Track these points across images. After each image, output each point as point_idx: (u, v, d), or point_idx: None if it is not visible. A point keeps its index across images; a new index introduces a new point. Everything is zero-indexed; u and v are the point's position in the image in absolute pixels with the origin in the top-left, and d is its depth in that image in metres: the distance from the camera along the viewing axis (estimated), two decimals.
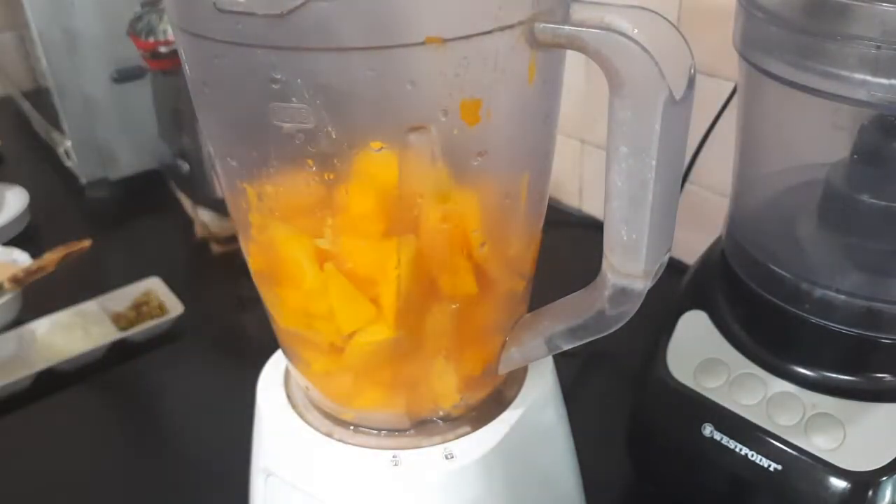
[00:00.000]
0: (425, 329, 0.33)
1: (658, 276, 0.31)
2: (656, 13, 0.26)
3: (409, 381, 0.36)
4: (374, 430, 0.37)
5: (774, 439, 0.41)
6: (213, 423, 0.58)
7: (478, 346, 0.36)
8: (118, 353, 0.65)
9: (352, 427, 0.37)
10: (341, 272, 0.31)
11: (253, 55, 0.26)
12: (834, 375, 0.42)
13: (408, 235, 0.30)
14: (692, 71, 0.27)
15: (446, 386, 0.36)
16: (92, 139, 0.90)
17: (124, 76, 0.87)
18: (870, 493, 0.38)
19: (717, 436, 0.43)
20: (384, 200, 0.29)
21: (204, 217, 0.82)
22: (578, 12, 0.27)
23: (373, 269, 0.31)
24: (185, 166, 0.84)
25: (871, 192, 0.41)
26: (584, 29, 0.26)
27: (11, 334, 0.65)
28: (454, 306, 0.33)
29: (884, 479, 0.38)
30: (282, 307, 0.35)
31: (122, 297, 0.70)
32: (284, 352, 0.39)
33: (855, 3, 0.35)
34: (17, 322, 0.66)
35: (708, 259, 0.50)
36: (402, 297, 0.31)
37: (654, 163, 0.27)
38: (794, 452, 0.40)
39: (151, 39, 0.78)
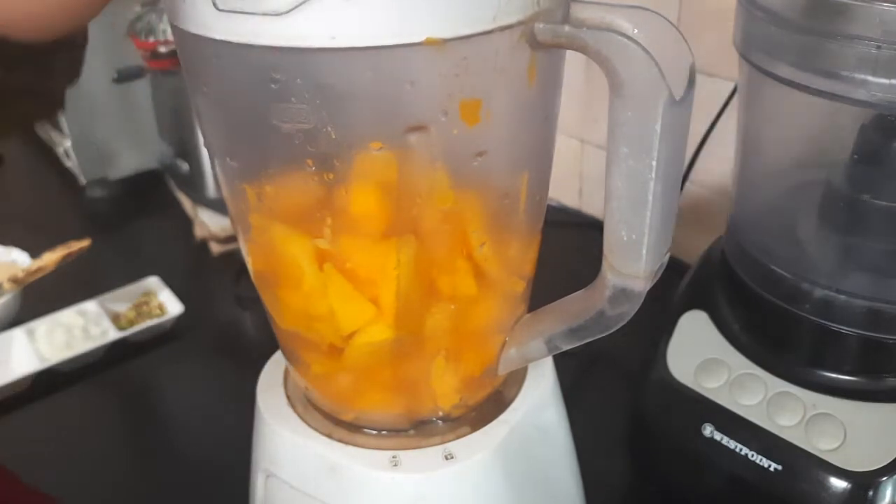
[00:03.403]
0: (425, 329, 0.33)
1: (658, 276, 0.31)
2: (656, 13, 0.26)
3: (408, 382, 0.35)
4: (373, 430, 0.37)
5: (774, 439, 0.41)
6: (213, 423, 0.58)
7: (477, 346, 0.36)
8: (118, 353, 0.65)
9: (352, 427, 0.37)
10: (341, 272, 0.31)
11: (252, 55, 0.26)
12: (834, 375, 0.42)
13: (407, 236, 0.30)
14: (692, 71, 0.27)
15: (446, 386, 0.36)
16: (92, 139, 0.89)
17: (124, 76, 0.86)
18: (870, 493, 0.38)
19: (718, 436, 0.43)
20: (384, 201, 0.29)
21: (204, 217, 0.82)
22: (578, 12, 0.27)
23: (372, 270, 0.31)
24: (185, 166, 0.84)
25: (871, 192, 0.41)
26: (584, 29, 0.26)
27: (11, 334, 0.65)
28: (454, 307, 0.33)
29: (884, 479, 0.38)
30: (281, 308, 0.35)
31: (122, 297, 0.70)
32: (284, 353, 0.39)
33: (855, 3, 0.35)
34: (17, 322, 0.66)
35: (708, 259, 0.50)
36: (401, 298, 0.31)
37: (654, 163, 0.27)
38: (794, 452, 0.40)
39: (151, 39, 0.78)
